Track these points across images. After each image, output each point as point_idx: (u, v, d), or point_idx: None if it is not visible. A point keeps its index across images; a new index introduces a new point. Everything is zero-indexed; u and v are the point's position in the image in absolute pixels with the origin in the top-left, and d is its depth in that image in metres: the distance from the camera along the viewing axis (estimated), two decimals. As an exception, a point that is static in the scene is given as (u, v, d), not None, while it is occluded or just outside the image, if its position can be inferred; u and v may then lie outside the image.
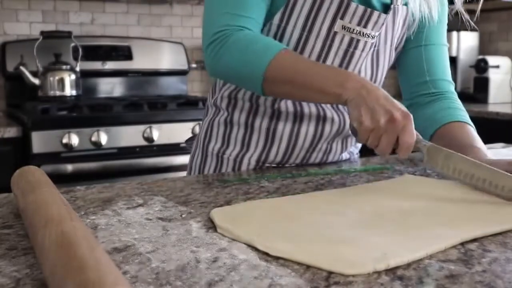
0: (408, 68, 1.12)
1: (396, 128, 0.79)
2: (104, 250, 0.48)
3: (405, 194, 0.81)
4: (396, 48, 1.08)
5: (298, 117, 1.03)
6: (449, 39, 3.00)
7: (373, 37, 1.00)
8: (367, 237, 0.60)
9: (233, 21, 0.93)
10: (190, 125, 2.22)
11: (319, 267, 0.52)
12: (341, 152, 1.11)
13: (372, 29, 0.99)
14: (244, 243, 0.59)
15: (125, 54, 2.69)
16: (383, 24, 1.00)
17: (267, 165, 1.06)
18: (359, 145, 1.18)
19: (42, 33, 2.39)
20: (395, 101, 0.82)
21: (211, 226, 0.66)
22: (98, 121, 2.08)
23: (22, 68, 2.30)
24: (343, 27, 0.97)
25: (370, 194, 0.81)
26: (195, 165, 1.13)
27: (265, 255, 0.56)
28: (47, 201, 0.61)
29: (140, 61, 2.73)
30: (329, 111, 1.04)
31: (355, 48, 0.99)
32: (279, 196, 0.81)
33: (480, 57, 2.99)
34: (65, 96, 2.35)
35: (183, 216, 0.70)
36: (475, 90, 2.98)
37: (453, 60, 3.08)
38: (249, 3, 0.94)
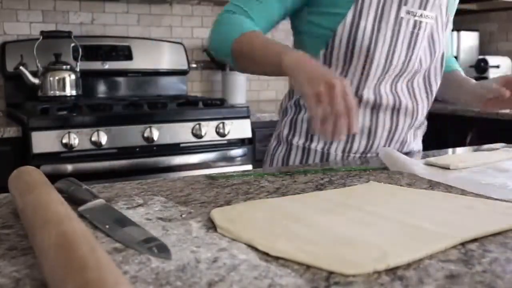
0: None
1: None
2: (104, 250, 0.48)
3: (404, 194, 0.81)
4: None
5: (376, 108, 1.15)
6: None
7: (431, 18, 1.15)
8: (367, 237, 0.60)
9: (232, 9, 1.11)
10: (190, 125, 2.21)
11: (319, 267, 0.52)
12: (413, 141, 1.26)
13: (430, 11, 1.14)
14: (244, 243, 0.59)
15: (125, 54, 2.69)
16: (436, 4, 1.14)
17: (352, 155, 1.17)
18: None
19: (42, 33, 2.39)
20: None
21: (211, 226, 0.66)
22: (98, 121, 2.07)
23: (22, 68, 2.30)
24: (407, 12, 1.11)
25: (370, 194, 0.81)
26: (278, 157, 1.22)
27: (265, 255, 0.56)
28: (46, 201, 0.61)
29: (140, 61, 2.73)
30: (404, 99, 1.17)
31: (419, 29, 1.13)
32: (279, 196, 0.81)
33: (480, 57, 2.99)
34: (65, 96, 2.35)
35: (183, 216, 0.70)
36: (475, 90, 2.98)
37: (453, 60, 3.08)
38: (254, 5, 1.11)
